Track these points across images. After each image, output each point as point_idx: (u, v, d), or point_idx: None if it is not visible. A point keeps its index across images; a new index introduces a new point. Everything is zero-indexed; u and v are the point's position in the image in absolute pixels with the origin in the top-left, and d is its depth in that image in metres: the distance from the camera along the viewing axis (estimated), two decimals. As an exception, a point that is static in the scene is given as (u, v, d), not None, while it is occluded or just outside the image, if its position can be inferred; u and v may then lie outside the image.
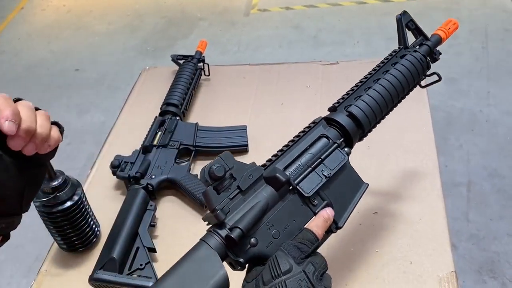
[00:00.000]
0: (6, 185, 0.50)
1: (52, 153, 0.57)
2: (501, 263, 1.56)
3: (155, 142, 0.99)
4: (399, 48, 0.75)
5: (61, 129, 0.59)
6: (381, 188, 0.90)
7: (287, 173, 0.56)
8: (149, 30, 2.96)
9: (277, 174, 0.54)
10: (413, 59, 0.72)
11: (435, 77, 0.75)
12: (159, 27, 2.97)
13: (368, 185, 0.63)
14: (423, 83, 0.78)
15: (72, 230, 0.82)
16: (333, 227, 0.58)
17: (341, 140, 0.63)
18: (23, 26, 3.29)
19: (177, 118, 1.06)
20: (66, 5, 3.46)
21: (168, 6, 3.19)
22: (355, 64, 1.21)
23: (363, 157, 0.96)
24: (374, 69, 0.74)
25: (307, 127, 0.64)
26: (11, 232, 0.55)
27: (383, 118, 0.71)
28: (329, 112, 0.70)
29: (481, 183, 1.81)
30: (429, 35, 0.80)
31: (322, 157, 0.59)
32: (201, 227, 0.93)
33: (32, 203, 0.80)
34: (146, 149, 0.97)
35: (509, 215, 1.69)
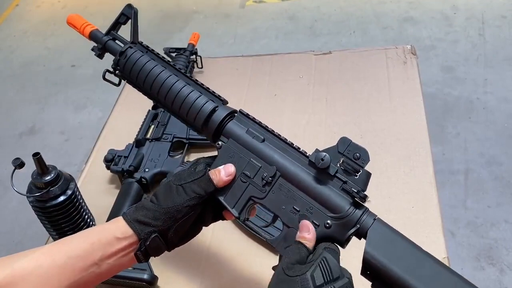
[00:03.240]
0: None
1: None
2: (499, 249, 1.57)
3: (148, 136, 0.99)
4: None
5: None
6: (374, 176, 0.90)
7: None
8: (145, 24, 2.95)
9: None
10: None
11: None
12: (154, 21, 2.96)
13: None
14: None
15: (66, 224, 0.82)
16: None
17: None
18: (18, 23, 3.28)
19: (170, 111, 1.06)
20: (61, 1, 3.44)
21: (163, 0, 3.18)
22: (348, 53, 1.20)
23: (356, 146, 0.96)
24: None
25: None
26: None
27: None
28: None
29: (479, 171, 1.81)
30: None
31: None
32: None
33: (25, 198, 0.81)
34: (139, 142, 0.98)
35: (506, 201, 1.69)
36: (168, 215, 0.55)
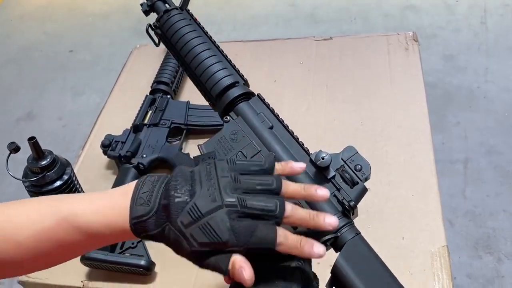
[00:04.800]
0: None
1: None
2: (497, 238, 1.57)
3: (146, 121, 0.98)
4: None
5: None
6: (374, 164, 0.89)
7: None
8: (143, 10, 2.91)
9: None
10: None
11: None
12: (153, 6, 2.93)
13: None
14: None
15: (62, 209, 0.81)
16: None
17: None
18: (16, 8, 3.24)
19: (168, 96, 1.05)
20: (59, -14, 3.40)
21: (162, -15, 3.14)
22: (349, 39, 1.19)
23: (356, 133, 0.96)
24: None
25: None
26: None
27: None
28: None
29: (478, 160, 1.80)
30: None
31: None
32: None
33: (21, 183, 0.80)
34: (137, 128, 0.96)
35: (505, 191, 1.69)
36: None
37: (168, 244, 0.47)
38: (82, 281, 0.79)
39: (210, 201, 0.43)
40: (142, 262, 0.76)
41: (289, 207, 0.45)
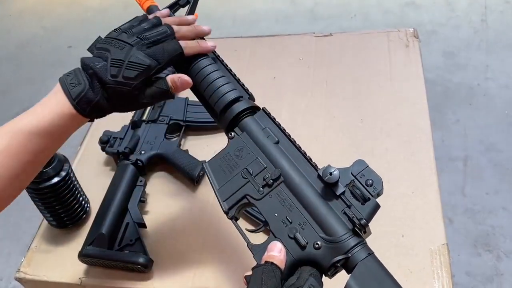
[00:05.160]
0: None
1: None
2: (496, 236, 1.57)
3: (144, 117, 0.97)
4: None
5: None
6: (374, 162, 0.89)
7: None
8: (143, 5, 2.90)
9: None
10: None
11: None
12: (152, 2, 2.92)
13: None
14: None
15: (60, 206, 0.81)
16: None
17: None
18: (14, 2, 3.22)
19: (167, 92, 1.04)
20: (58, -19, 3.38)
21: (161, -19, 3.12)
22: (349, 36, 1.18)
23: (356, 130, 0.95)
24: None
25: None
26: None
27: None
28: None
29: (478, 158, 1.80)
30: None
31: None
32: (191, 202, 0.92)
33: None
34: (135, 124, 0.96)
35: (505, 189, 1.69)
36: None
37: (112, 104, 0.57)
38: (80, 278, 0.78)
39: (120, 50, 0.57)
40: (140, 259, 0.75)
41: (176, 27, 0.62)
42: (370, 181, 0.51)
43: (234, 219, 0.56)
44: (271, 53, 1.17)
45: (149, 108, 0.99)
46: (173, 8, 0.74)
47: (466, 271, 1.49)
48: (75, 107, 0.54)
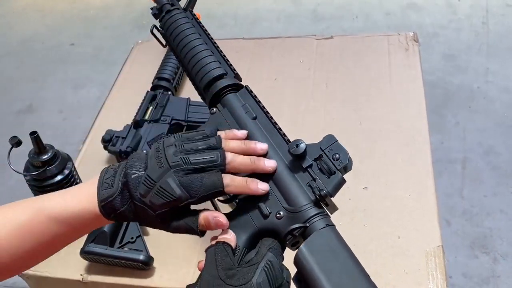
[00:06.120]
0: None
1: None
2: (493, 238, 1.58)
3: (146, 117, 0.99)
4: None
5: None
6: (372, 164, 0.91)
7: None
8: (145, 4, 2.91)
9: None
10: None
11: None
12: None
13: None
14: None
15: (63, 204, 0.82)
16: None
17: None
18: (18, -1, 3.24)
19: (169, 92, 1.06)
20: (61, -22, 3.39)
21: (164, -21, 3.13)
22: (350, 39, 1.19)
23: (355, 132, 0.96)
24: None
25: None
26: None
27: None
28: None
29: (477, 160, 1.81)
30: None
31: None
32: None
33: (23, 177, 0.81)
34: (137, 123, 0.97)
35: (503, 191, 1.70)
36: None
37: (138, 219, 0.52)
38: (81, 275, 0.80)
39: (158, 167, 0.49)
40: (141, 257, 0.77)
41: (230, 155, 0.51)
42: (337, 155, 0.51)
43: None
44: (272, 54, 1.19)
45: (151, 107, 1.00)
46: (172, 4, 0.72)
47: (463, 273, 1.50)
48: (100, 210, 0.51)
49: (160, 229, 0.52)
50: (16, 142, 0.74)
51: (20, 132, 0.78)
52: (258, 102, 0.60)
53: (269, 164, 0.53)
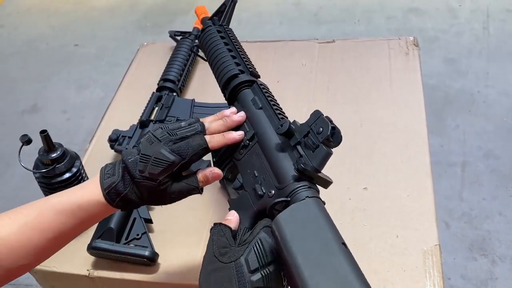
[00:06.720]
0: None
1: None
2: (492, 241, 1.59)
3: (152, 118, 1.01)
4: None
5: None
6: (372, 165, 0.93)
7: None
8: (149, 6, 2.94)
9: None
10: None
11: None
12: (158, 2, 2.95)
13: None
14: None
15: (70, 201, 0.84)
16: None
17: None
18: (23, 0, 3.26)
19: (174, 94, 1.08)
20: (66, -21, 3.42)
21: (168, -18, 3.16)
22: (351, 43, 1.22)
23: (355, 134, 0.98)
24: None
25: None
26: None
27: None
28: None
29: (476, 163, 1.83)
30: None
31: None
32: (196, 200, 0.95)
33: (27, 176, 0.82)
34: (143, 124, 0.99)
35: (502, 195, 1.72)
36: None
37: (141, 198, 0.58)
38: (88, 270, 0.81)
39: (150, 145, 0.57)
40: (146, 253, 0.78)
41: (207, 123, 0.61)
42: (321, 128, 0.51)
43: (225, 179, 0.64)
44: (275, 57, 1.21)
45: (156, 108, 1.02)
46: (216, 15, 0.80)
47: (461, 275, 1.51)
48: (105, 197, 0.56)
49: (165, 202, 0.59)
50: (26, 141, 0.76)
51: (25, 132, 0.79)
52: (265, 93, 0.65)
53: (236, 134, 0.62)
